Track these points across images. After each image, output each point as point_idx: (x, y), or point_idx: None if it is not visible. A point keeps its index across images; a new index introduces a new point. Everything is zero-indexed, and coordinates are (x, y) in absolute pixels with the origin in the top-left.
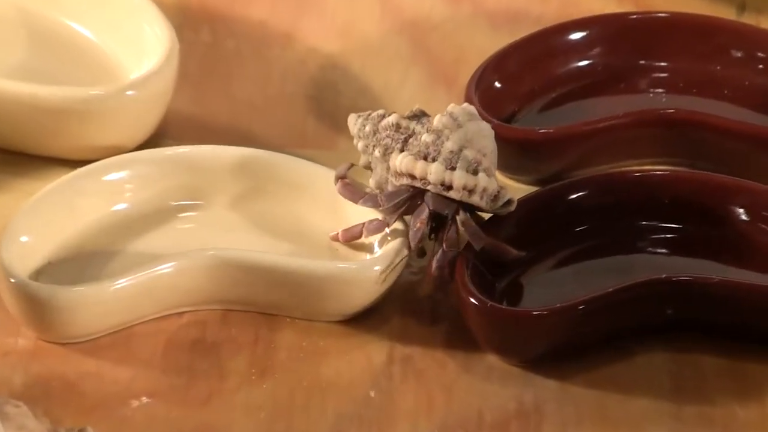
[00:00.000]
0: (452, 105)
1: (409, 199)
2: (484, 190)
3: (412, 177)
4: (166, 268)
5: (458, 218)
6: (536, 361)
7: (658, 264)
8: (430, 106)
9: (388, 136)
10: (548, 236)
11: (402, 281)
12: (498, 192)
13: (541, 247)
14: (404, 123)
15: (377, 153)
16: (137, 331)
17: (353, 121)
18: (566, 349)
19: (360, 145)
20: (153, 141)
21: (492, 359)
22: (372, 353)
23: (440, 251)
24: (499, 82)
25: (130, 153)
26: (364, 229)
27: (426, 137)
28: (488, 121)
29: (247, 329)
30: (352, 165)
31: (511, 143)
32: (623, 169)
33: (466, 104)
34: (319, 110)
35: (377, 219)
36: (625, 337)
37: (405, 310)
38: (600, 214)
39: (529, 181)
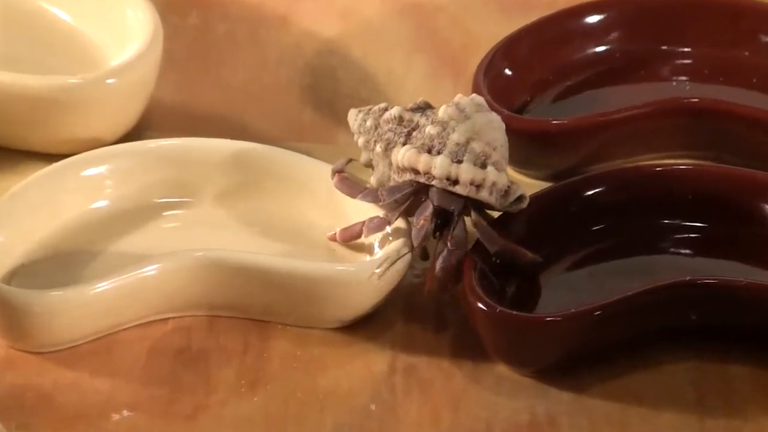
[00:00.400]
0: (459, 95)
1: (412, 195)
2: (494, 185)
3: (416, 172)
4: (149, 270)
5: (470, 217)
6: (549, 371)
7: (681, 265)
8: (435, 96)
9: (390, 130)
10: (562, 236)
11: (405, 284)
12: (508, 187)
13: (554, 248)
14: (407, 116)
15: (378, 149)
16: (118, 339)
17: (353, 117)
18: (582, 357)
19: (360, 141)
20: (136, 133)
21: (502, 369)
22: (372, 362)
23: (445, 251)
24: (510, 70)
25: (111, 146)
26: (364, 228)
27: (430, 129)
28: (498, 112)
29: (236, 337)
30: (351, 160)
31: (523, 135)
32: (643, 163)
33: (474, 95)
34: (316, 100)
35: (378, 216)
36: (645, 344)
37: (408, 315)
38: (618, 211)
39: (542, 177)
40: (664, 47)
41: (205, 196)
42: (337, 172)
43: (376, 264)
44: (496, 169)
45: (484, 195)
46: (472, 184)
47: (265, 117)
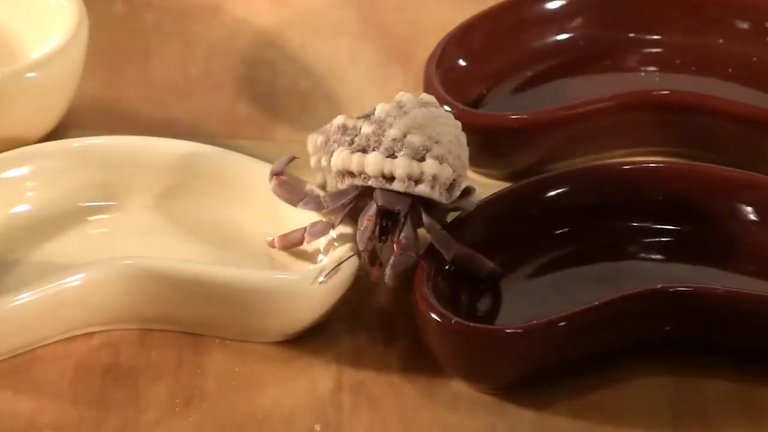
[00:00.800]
0: (402, 93)
1: (355, 199)
2: (434, 178)
3: (351, 174)
4: (74, 280)
5: (425, 223)
6: (510, 387)
7: (652, 272)
8: (382, 89)
9: (335, 141)
10: (523, 240)
11: (352, 294)
12: (453, 180)
13: (514, 254)
14: (351, 123)
15: (324, 162)
16: (40, 355)
17: (311, 140)
18: (546, 373)
19: (312, 161)
20: (59, 131)
21: (458, 385)
22: (317, 379)
23: (393, 255)
24: (464, 60)
25: (32, 146)
26: (306, 234)
27: (366, 128)
28: (451, 106)
29: (169, 352)
30: (293, 158)
31: (479, 131)
32: (610, 161)
33: (424, 94)
34: (252, 93)
35: (320, 221)
36: (615, 358)
37: (355, 328)
38: (583, 213)
39: (500, 176)
40: (632, 34)
41: (133, 199)
42: (276, 174)
43: (320, 271)
44: (438, 161)
45: (424, 190)
46: (409, 178)
47: (196, 112)
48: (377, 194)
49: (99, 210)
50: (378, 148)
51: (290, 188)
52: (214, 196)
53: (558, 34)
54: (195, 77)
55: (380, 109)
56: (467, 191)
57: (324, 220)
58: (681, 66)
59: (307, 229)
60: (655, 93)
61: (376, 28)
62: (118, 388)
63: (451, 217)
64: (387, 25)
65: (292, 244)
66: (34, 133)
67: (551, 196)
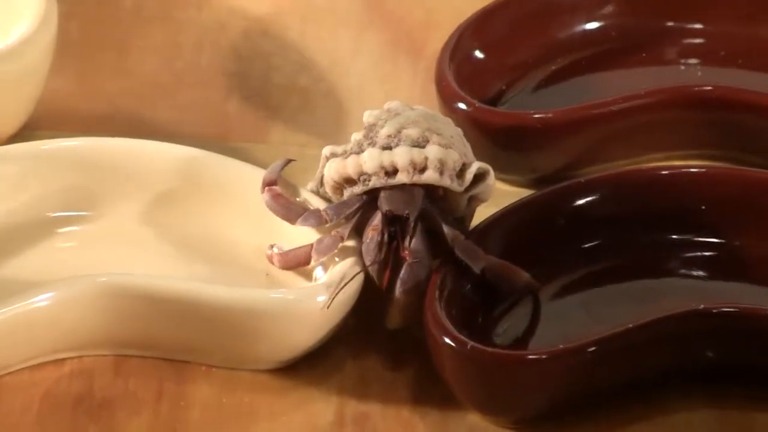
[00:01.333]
0: (389, 102)
1: (362, 208)
2: (441, 163)
3: (350, 181)
4: (41, 300)
5: (447, 234)
6: (533, 421)
7: (692, 291)
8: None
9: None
10: (548, 255)
11: (356, 315)
12: (463, 165)
13: (538, 270)
14: (339, 149)
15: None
16: (4, 384)
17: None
18: (573, 404)
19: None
20: (25, 132)
21: (474, 418)
22: (316, 412)
23: (404, 267)
24: (482, 52)
25: None
26: (312, 252)
27: (356, 136)
28: (467, 104)
29: (148, 381)
30: (290, 161)
31: (498, 132)
32: (645, 165)
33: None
34: (244, 90)
35: (328, 235)
36: (650, 389)
37: (360, 354)
38: (615, 225)
39: (522, 182)
40: (671, 23)
41: (109, 208)
42: (269, 184)
43: (322, 290)
44: (442, 146)
45: (432, 176)
46: (414, 167)
47: (181, 111)
48: (382, 199)
49: (71, 221)
50: (373, 146)
51: (286, 203)
52: (202, 205)
53: (587, 23)
54: (180, 71)
55: (368, 114)
56: (481, 175)
57: (332, 233)
58: (726, 58)
59: (314, 246)
60: (696, 89)
61: (383, 16)
62: (90, 421)
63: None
64: (395, 13)
65: (296, 264)
66: None
67: (580, 206)
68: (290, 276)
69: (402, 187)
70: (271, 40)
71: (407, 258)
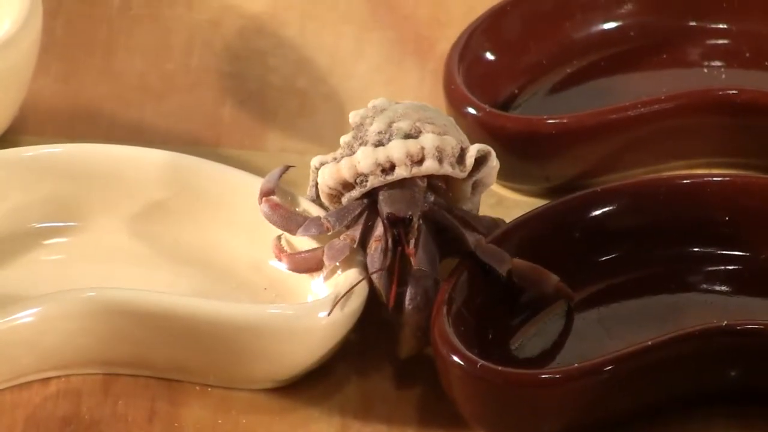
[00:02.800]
0: (374, 99)
1: (363, 212)
2: (439, 150)
3: (346, 186)
4: (25, 316)
5: (469, 240)
6: None
7: (716, 307)
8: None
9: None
10: (563, 269)
11: (359, 332)
12: (462, 149)
13: None
14: (328, 157)
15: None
16: None
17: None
18: (588, 427)
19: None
20: (7, 138)
21: None
22: None
23: (410, 283)
24: (493, 53)
25: None
26: (324, 257)
27: (344, 138)
28: (477, 108)
29: (139, 401)
30: (288, 168)
31: (510, 138)
32: (666, 174)
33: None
34: (240, 93)
35: (339, 238)
36: (670, 411)
37: (363, 371)
38: (634, 237)
39: (535, 192)
40: (693, 23)
41: (97, 219)
42: (266, 194)
43: (323, 305)
44: (437, 133)
45: (431, 166)
46: (411, 160)
47: (172, 115)
48: (381, 201)
49: (56, 232)
50: (365, 144)
51: (285, 213)
52: (195, 216)
53: (605, 22)
54: (170, 73)
55: (354, 114)
56: (482, 158)
57: (341, 237)
58: (751, 60)
59: (326, 251)
60: (720, 92)
61: (389, 13)
62: None
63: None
64: (402, 10)
65: (307, 268)
66: None
67: (596, 217)
68: (289, 291)
69: (402, 183)
70: (268, 39)
71: (412, 259)
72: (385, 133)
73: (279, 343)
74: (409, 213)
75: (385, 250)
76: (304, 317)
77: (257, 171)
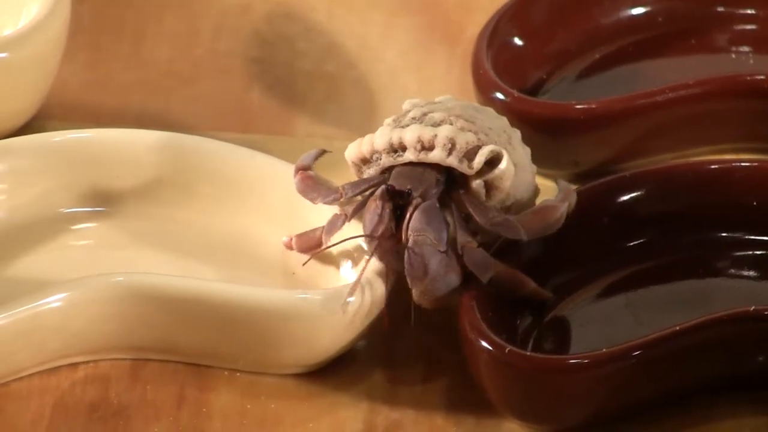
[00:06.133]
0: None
1: (375, 186)
2: (451, 142)
3: (364, 161)
4: (53, 301)
5: (459, 241)
6: (573, 430)
7: (744, 292)
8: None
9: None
10: (591, 254)
11: (387, 318)
12: (475, 146)
13: (580, 270)
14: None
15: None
16: (14, 391)
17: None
18: (616, 412)
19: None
20: (35, 124)
21: (511, 426)
22: (345, 419)
23: (406, 252)
24: (521, 39)
25: (3, 140)
26: (324, 233)
27: (387, 120)
28: (505, 94)
29: (167, 387)
30: (324, 152)
31: (538, 123)
32: (694, 159)
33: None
34: (268, 78)
35: (335, 214)
36: (698, 396)
37: (390, 358)
38: (662, 222)
39: (564, 177)
40: (721, 8)
41: (125, 205)
42: (302, 169)
43: (349, 291)
44: (458, 128)
45: (439, 156)
46: (421, 145)
47: (199, 102)
48: (391, 176)
49: (84, 217)
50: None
51: (314, 184)
52: (224, 201)
53: (632, 8)
54: (198, 59)
55: (407, 103)
56: (495, 160)
57: (337, 212)
58: None
59: (325, 227)
60: (748, 78)
61: None
62: (106, 430)
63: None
64: None
65: (308, 246)
66: (6, 126)
67: (624, 202)
68: (318, 276)
69: (413, 167)
70: (296, 24)
71: (408, 239)
72: (418, 120)
73: (307, 329)
74: (408, 187)
75: (381, 217)
76: (332, 302)
77: (285, 156)
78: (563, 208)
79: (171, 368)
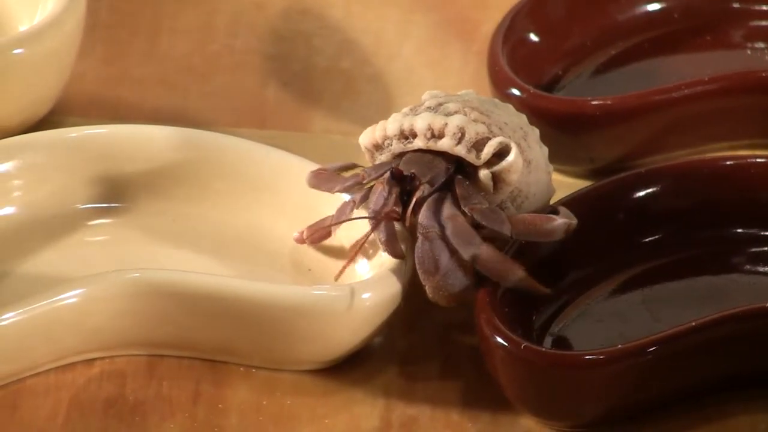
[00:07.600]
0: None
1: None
2: (461, 131)
3: (377, 147)
4: (70, 297)
5: (444, 213)
6: (590, 426)
7: (760, 288)
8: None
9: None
10: (606, 250)
11: (402, 313)
12: (485, 137)
13: (596, 266)
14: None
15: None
16: (29, 387)
17: None
18: (632, 409)
19: None
20: (51, 119)
21: (527, 422)
22: (361, 415)
23: (417, 243)
24: (537, 34)
25: (20, 136)
26: (333, 220)
27: (404, 110)
28: (521, 90)
29: (183, 383)
30: (355, 166)
31: (554, 119)
32: (710, 155)
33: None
34: (284, 75)
35: (343, 201)
36: (714, 393)
37: (407, 353)
38: (678, 219)
39: (580, 173)
40: (737, 4)
41: (141, 200)
42: (319, 171)
43: (366, 287)
44: (471, 119)
45: (448, 144)
46: (431, 133)
47: (215, 98)
48: (402, 160)
49: (100, 213)
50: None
51: (327, 177)
52: (239, 198)
53: (648, 4)
54: (215, 54)
55: (427, 93)
56: (503, 152)
57: (345, 200)
58: None
59: (334, 214)
60: (764, 74)
61: None
62: (122, 426)
63: None
64: None
65: (319, 235)
66: (22, 121)
67: (640, 198)
68: (334, 272)
69: (423, 153)
70: (312, 20)
71: (408, 219)
72: (433, 110)
73: (323, 325)
74: (412, 171)
75: (386, 198)
76: (348, 298)
77: (301, 152)
78: (559, 223)
79: (187, 364)
